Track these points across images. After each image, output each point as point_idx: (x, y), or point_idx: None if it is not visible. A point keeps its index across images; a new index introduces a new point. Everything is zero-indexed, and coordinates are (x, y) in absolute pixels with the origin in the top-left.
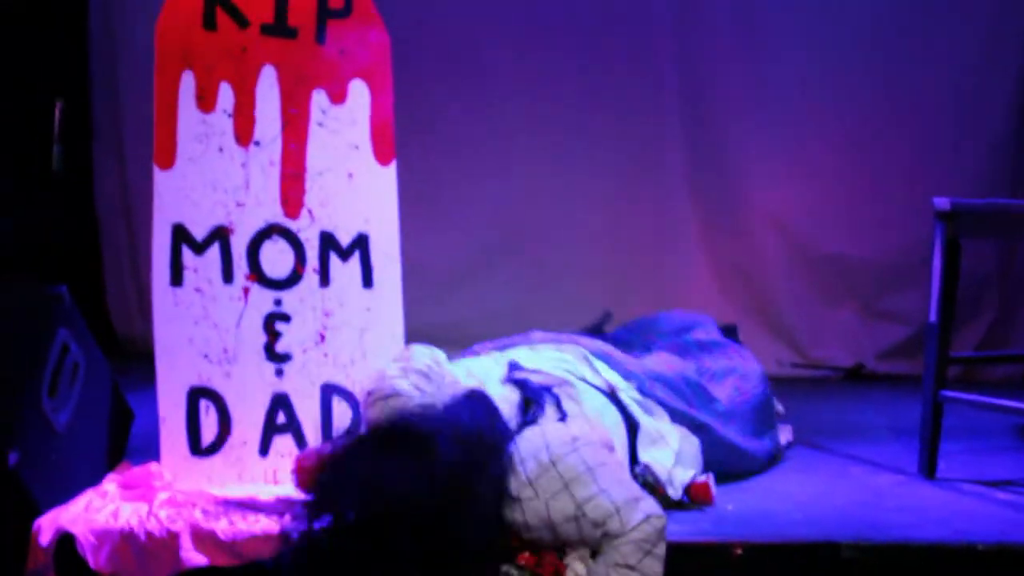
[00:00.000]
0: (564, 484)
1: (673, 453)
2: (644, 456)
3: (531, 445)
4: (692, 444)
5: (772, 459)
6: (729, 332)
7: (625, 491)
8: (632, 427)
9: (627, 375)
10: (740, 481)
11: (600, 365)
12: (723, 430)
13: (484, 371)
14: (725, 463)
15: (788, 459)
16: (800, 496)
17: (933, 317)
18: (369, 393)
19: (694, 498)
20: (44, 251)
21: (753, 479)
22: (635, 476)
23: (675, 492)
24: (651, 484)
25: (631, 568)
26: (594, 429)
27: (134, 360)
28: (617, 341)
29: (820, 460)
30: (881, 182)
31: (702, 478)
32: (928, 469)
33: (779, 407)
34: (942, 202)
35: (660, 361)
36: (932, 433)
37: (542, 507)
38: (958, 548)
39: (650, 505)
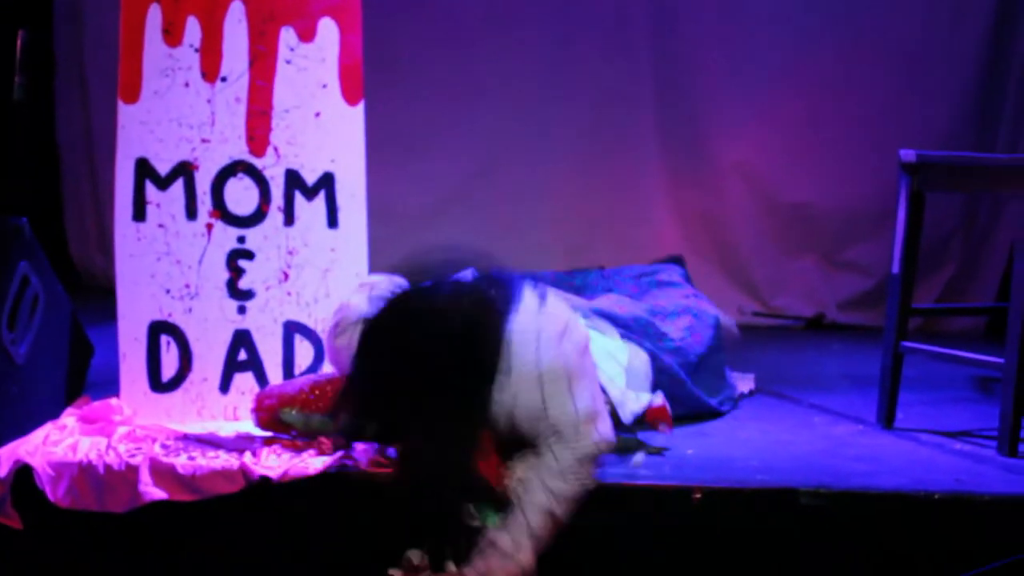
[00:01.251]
0: (538, 376)
1: (623, 370)
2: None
3: (522, 334)
4: (643, 361)
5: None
6: (675, 261)
7: (591, 406)
8: None
9: (572, 308)
10: (700, 424)
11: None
12: (670, 361)
13: None
14: (671, 392)
15: (748, 407)
16: (760, 443)
17: (896, 268)
18: (336, 324)
19: (652, 421)
20: (4, 183)
21: (713, 425)
22: None
23: (626, 417)
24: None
25: (563, 480)
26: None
27: (94, 294)
28: (581, 285)
29: (780, 408)
30: (846, 133)
31: (658, 401)
32: (887, 419)
33: (732, 327)
34: (908, 154)
35: (611, 302)
36: (892, 383)
37: (509, 395)
38: (915, 496)
39: (606, 428)
